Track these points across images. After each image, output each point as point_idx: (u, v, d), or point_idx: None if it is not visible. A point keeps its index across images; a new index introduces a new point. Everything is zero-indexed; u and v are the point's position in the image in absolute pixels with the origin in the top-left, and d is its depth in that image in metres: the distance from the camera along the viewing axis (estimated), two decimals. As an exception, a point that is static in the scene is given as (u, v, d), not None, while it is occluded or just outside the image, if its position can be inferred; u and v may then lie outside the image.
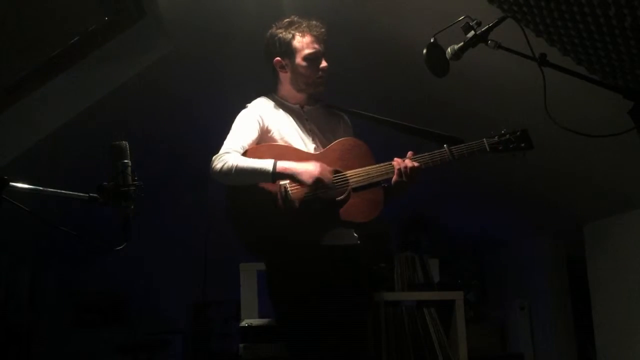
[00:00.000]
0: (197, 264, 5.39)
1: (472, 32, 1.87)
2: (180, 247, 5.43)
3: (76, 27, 3.07)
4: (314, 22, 2.36)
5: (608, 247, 3.81)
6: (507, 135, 2.26)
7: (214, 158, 2.22)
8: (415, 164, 2.25)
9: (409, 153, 2.30)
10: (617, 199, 3.50)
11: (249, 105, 2.41)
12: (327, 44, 2.38)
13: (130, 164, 1.80)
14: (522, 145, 2.25)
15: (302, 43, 2.33)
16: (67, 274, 5.47)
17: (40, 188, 1.67)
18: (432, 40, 1.99)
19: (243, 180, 2.21)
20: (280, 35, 2.35)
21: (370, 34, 2.99)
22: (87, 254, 5.25)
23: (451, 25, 1.93)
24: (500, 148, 2.26)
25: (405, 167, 2.24)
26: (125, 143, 1.82)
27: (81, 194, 1.74)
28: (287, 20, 2.36)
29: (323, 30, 2.37)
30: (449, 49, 1.94)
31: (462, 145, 2.28)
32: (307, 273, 2.22)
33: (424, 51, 1.99)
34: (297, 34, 2.34)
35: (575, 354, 4.53)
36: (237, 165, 2.17)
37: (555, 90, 1.88)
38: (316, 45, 2.34)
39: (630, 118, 1.72)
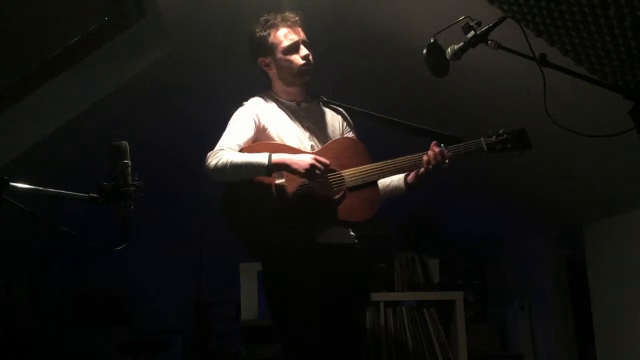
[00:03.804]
0: (197, 264, 5.39)
1: (472, 32, 1.88)
2: (180, 247, 5.43)
3: (76, 27, 3.07)
4: (287, 13, 2.39)
5: (608, 247, 3.81)
6: (505, 135, 2.23)
7: (208, 155, 2.22)
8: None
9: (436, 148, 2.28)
10: (617, 199, 3.50)
11: (246, 103, 2.41)
12: (306, 31, 2.41)
13: (130, 164, 1.80)
14: (520, 144, 2.22)
15: (278, 37, 2.37)
16: (67, 274, 5.46)
17: (40, 188, 1.67)
18: (432, 40, 2.00)
19: (238, 176, 2.20)
20: (258, 34, 2.39)
21: (369, 34, 2.99)
22: (87, 254, 5.24)
23: (451, 25, 1.93)
24: (498, 148, 2.23)
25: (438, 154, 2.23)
26: (125, 143, 1.83)
27: (81, 194, 1.74)
28: (263, 19, 2.41)
29: (297, 18, 2.40)
30: (449, 49, 1.94)
31: (460, 144, 2.26)
32: (301, 271, 2.20)
33: (424, 51, 1.99)
34: (272, 30, 2.38)
35: (575, 354, 4.52)
36: (231, 161, 2.17)
37: (555, 90, 1.89)
38: (292, 36, 2.38)
39: (630, 118, 1.72)
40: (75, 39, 3.09)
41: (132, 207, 1.76)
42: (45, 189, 1.68)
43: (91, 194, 1.74)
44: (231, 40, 3.13)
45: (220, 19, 3.04)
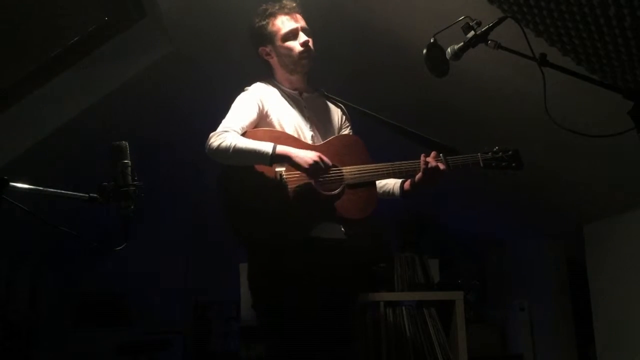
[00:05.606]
0: (197, 264, 5.40)
1: (472, 32, 1.87)
2: (180, 247, 5.43)
3: (76, 27, 3.07)
4: (285, 2, 2.41)
5: (608, 247, 3.81)
6: (500, 154, 2.34)
7: (211, 135, 2.20)
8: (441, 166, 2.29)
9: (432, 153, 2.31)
10: (617, 199, 3.50)
11: (249, 88, 2.41)
12: (306, 19, 2.42)
13: (130, 164, 1.80)
14: (513, 164, 2.34)
15: (277, 25, 2.38)
16: (67, 274, 5.47)
17: (40, 188, 1.67)
18: (432, 40, 2.00)
19: (239, 161, 2.19)
20: (257, 24, 2.41)
21: (369, 34, 2.99)
22: (87, 254, 5.25)
23: (451, 25, 1.93)
24: (493, 165, 2.34)
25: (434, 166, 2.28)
26: (125, 143, 1.83)
27: (81, 194, 1.74)
28: (261, 8, 2.42)
29: (295, 4, 2.41)
30: (449, 49, 1.94)
31: (458, 157, 2.33)
32: (289, 263, 2.18)
33: (424, 51, 1.99)
34: (271, 18, 2.39)
35: (575, 354, 4.52)
36: (235, 145, 2.15)
37: (555, 91, 1.88)
38: (291, 23, 2.39)
39: (630, 118, 1.72)
40: (75, 39, 3.09)
41: (132, 207, 1.76)
42: (45, 189, 1.68)
43: (91, 194, 1.74)
44: (231, 40, 3.14)
45: (220, 18, 3.04)
